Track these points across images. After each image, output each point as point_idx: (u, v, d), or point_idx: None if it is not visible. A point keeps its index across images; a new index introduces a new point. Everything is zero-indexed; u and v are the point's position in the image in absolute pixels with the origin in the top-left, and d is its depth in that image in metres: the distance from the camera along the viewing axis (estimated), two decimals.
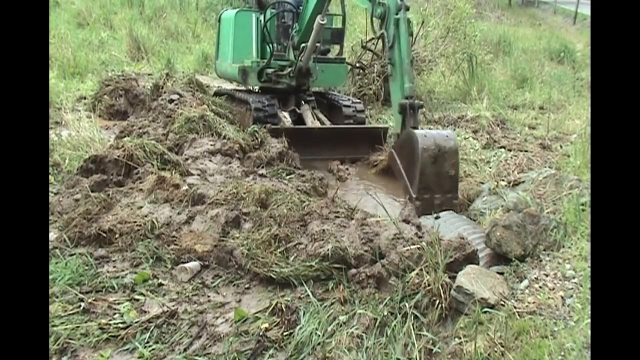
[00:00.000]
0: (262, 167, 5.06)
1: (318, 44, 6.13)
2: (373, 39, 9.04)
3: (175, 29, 12.95)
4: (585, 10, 17.88)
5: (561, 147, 6.14)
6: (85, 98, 8.23)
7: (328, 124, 6.75)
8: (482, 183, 4.94)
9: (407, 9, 4.91)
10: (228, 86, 8.22)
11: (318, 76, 6.61)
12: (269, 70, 6.57)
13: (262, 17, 6.51)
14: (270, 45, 6.57)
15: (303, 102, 6.88)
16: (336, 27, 7.34)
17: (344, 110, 6.87)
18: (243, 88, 7.43)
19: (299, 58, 6.26)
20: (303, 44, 6.17)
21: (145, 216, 3.79)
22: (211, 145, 5.17)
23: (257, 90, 7.13)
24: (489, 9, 20.01)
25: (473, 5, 10.15)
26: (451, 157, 4.46)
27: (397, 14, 4.88)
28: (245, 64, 6.74)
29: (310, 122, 6.66)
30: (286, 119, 6.77)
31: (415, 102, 4.86)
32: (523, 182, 4.52)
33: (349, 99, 7.24)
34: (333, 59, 7.23)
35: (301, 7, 6.81)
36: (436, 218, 4.16)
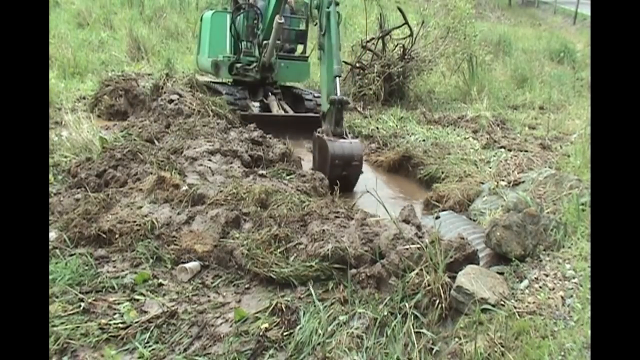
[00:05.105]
0: (263, 167, 5.07)
1: (279, 42, 7.21)
2: (373, 38, 9.08)
3: (175, 29, 12.95)
4: (585, 10, 17.88)
5: (561, 147, 6.14)
6: (85, 98, 8.23)
7: (291, 113, 7.56)
8: (482, 183, 4.94)
9: (337, 4, 5.61)
10: (206, 79, 8.77)
11: (281, 71, 7.69)
12: (238, 65, 7.66)
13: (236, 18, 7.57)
14: (241, 43, 7.61)
15: (270, 93, 7.94)
16: (300, 28, 8.30)
17: (305, 102, 7.95)
18: (217, 80, 8.34)
19: (263, 54, 7.22)
20: (265, 42, 7.12)
21: (145, 216, 3.78)
22: (211, 145, 5.17)
23: (229, 82, 8.14)
24: (489, 9, 20.01)
25: (473, 5, 10.15)
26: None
27: (328, 7, 5.53)
28: (218, 59, 7.76)
29: (276, 110, 7.70)
30: (255, 107, 7.94)
31: (343, 98, 5.42)
32: (523, 182, 4.51)
33: (310, 93, 8.22)
34: (297, 57, 8.30)
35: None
36: (436, 218, 4.16)
